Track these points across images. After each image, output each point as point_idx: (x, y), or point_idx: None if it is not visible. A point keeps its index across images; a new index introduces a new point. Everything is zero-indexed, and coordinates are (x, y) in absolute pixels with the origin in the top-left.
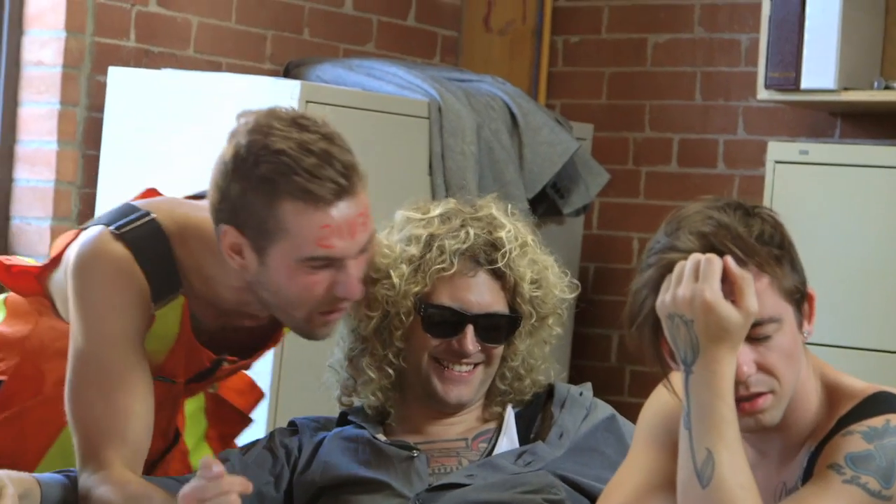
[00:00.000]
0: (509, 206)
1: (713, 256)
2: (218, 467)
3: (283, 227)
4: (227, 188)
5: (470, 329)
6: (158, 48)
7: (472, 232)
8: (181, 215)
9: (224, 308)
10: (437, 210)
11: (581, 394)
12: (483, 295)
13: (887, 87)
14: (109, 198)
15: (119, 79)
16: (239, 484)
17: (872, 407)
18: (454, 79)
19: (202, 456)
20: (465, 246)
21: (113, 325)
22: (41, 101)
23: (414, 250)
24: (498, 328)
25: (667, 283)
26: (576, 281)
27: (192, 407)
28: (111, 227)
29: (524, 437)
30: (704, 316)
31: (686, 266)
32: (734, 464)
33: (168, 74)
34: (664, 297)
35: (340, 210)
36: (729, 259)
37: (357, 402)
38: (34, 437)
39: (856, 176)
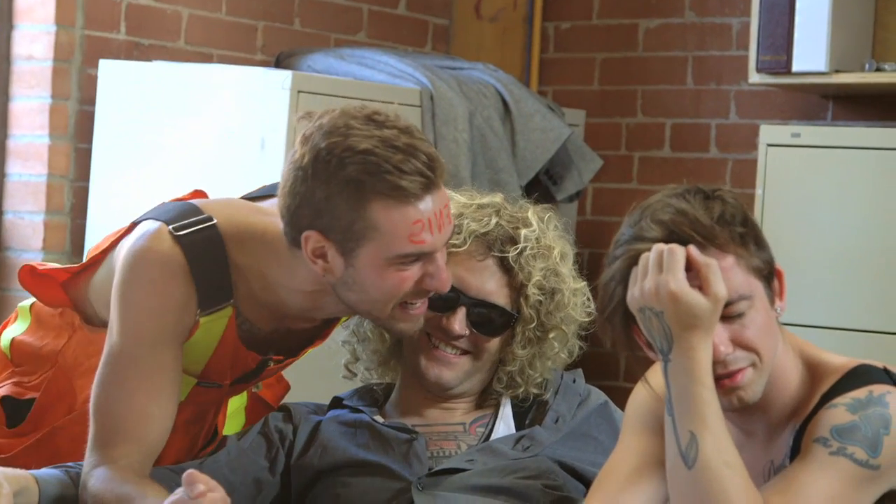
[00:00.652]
0: (550, 216)
1: (675, 246)
2: (201, 486)
3: (374, 226)
4: (309, 193)
5: (462, 311)
6: (149, 40)
7: (496, 221)
8: (243, 220)
9: (285, 313)
10: (481, 199)
11: (574, 381)
12: (485, 282)
13: (878, 69)
14: (102, 191)
15: (110, 72)
16: (220, 502)
17: (854, 380)
18: (446, 67)
19: None
20: (483, 230)
21: (149, 325)
22: (32, 96)
23: None
24: (491, 319)
25: (634, 275)
26: (592, 305)
27: (235, 405)
28: (171, 227)
29: (520, 424)
30: (673, 306)
31: (650, 258)
32: (717, 443)
33: (159, 66)
34: (633, 292)
35: (428, 204)
36: (692, 248)
37: (360, 370)
38: (68, 454)
39: (848, 158)
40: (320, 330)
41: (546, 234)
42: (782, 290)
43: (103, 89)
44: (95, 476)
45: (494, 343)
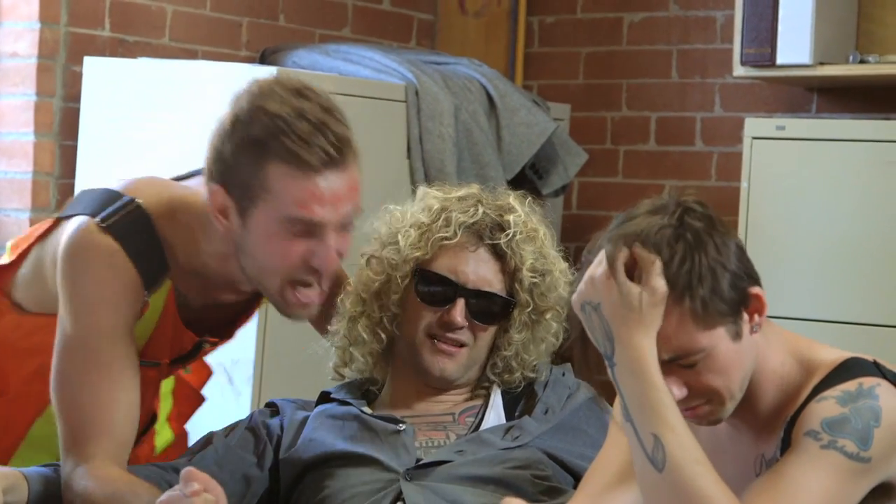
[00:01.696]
0: (529, 200)
1: (616, 242)
2: (196, 484)
3: (268, 188)
4: (221, 147)
5: (461, 302)
6: (133, 37)
7: (482, 210)
8: (167, 195)
9: (211, 281)
10: (458, 192)
11: (563, 374)
12: (480, 271)
13: (863, 61)
14: (88, 188)
15: (94, 69)
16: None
17: (844, 373)
18: (431, 62)
19: (165, 437)
20: (471, 220)
21: (103, 318)
22: (17, 93)
23: (424, 218)
24: (490, 308)
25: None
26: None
27: (164, 389)
28: (97, 219)
29: (509, 415)
30: (608, 294)
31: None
32: (682, 443)
33: (144, 63)
34: (574, 293)
35: (327, 179)
36: (636, 245)
37: (349, 373)
38: (2, 435)
39: (833, 150)
40: (249, 305)
41: (531, 218)
42: (761, 309)
43: (88, 86)
44: (78, 476)
45: (491, 331)
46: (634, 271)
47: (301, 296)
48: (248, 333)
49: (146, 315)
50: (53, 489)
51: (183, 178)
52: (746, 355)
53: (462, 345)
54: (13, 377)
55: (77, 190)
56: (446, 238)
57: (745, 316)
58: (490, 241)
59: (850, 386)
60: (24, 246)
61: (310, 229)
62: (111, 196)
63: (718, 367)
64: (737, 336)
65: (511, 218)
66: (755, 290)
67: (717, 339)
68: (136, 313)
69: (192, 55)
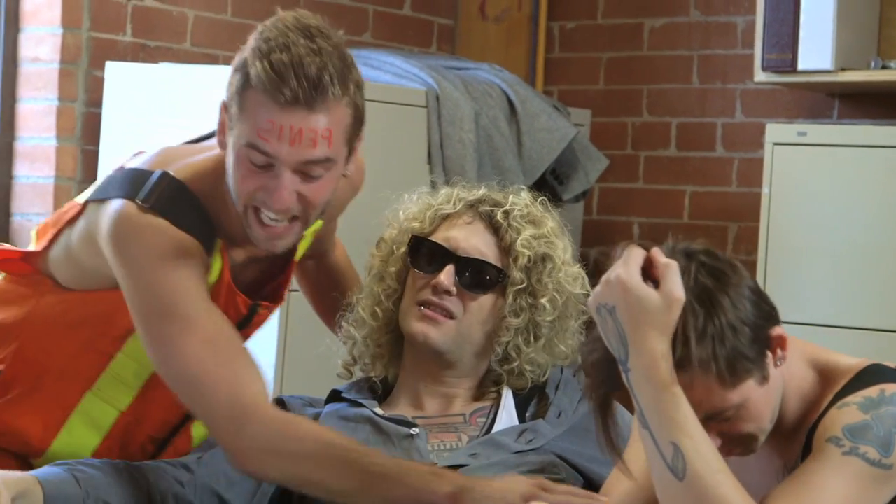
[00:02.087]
0: (543, 199)
1: (633, 244)
2: None
3: (243, 108)
4: (231, 66)
5: (450, 268)
6: (155, 42)
7: (484, 191)
8: (189, 161)
9: (238, 233)
10: (479, 188)
11: (574, 375)
12: (472, 240)
13: (884, 67)
14: (111, 172)
15: (116, 73)
16: None
17: (866, 379)
18: (451, 67)
19: (201, 430)
20: (472, 197)
21: (178, 284)
22: (39, 98)
23: (429, 198)
24: (479, 276)
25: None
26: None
27: None
28: (138, 200)
29: (521, 416)
30: (623, 297)
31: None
32: (702, 451)
33: (165, 68)
34: (591, 298)
35: (288, 115)
36: (655, 249)
37: (357, 372)
38: (52, 410)
39: (854, 156)
40: (285, 262)
41: (538, 208)
42: (784, 344)
43: (110, 91)
44: (273, 426)
45: (484, 305)
46: (651, 277)
47: (266, 224)
48: (268, 335)
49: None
50: (69, 490)
51: (197, 140)
52: (775, 391)
53: (451, 315)
54: (58, 354)
55: None
56: (444, 210)
57: (770, 355)
58: (487, 212)
59: (871, 392)
60: (53, 231)
61: (268, 162)
62: (141, 174)
63: (751, 415)
64: (764, 380)
65: (512, 198)
66: (776, 331)
67: (747, 391)
68: (204, 276)
69: (213, 60)
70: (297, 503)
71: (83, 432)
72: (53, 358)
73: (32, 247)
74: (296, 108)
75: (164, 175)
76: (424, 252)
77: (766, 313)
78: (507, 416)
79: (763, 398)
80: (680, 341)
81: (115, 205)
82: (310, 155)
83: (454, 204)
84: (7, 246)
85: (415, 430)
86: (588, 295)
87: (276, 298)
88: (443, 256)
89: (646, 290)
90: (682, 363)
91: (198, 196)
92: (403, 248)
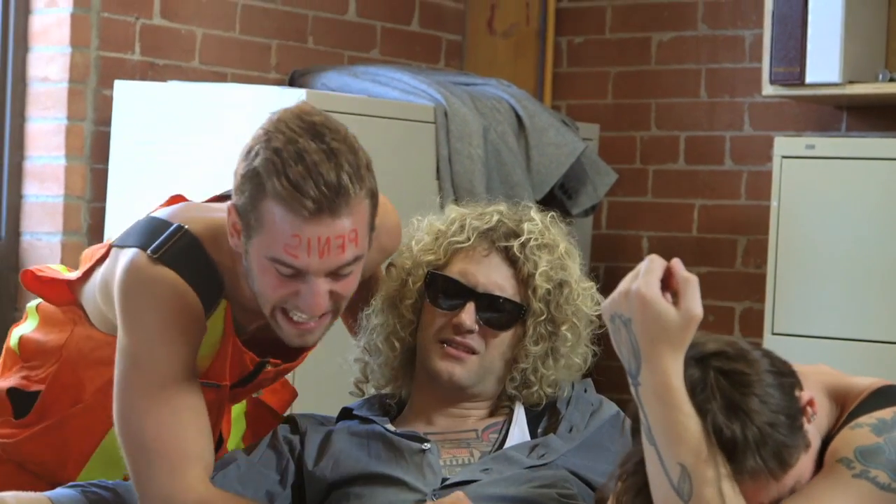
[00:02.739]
0: (553, 215)
1: (655, 256)
2: None
3: (261, 222)
4: (238, 170)
5: (471, 306)
6: (163, 60)
7: (497, 218)
8: (209, 218)
9: (254, 307)
10: (485, 208)
11: (585, 390)
12: (491, 275)
13: (892, 80)
14: (119, 211)
15: (125, 92)
16: None
17: (880, 399)
18: (459, 83)
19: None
20: (486, 226)
21: (171, 346)
22: (48, 117)
23: (441, 225)
24: (500, 312)
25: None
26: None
27: (236, 411)
28: (149, 251)
29: (532, 432)
30: (641, 311)
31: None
32: (710, 475)
33: (174, 86)
34: (606, 301)
35: (313, 226)
36: (676, 261)
37: (369, 389)
38: (77, 444)
39: (863, 169)
40: None
41: (550, 230)
42: (814, 403)
43: (119, 110)
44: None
45: (505, 339)
46: (670, 289)
47: (297, 322)
48: None
49: (208, 338)
50: None
51: (220, 198)
52: (815, 446)
53: (473, 351)
54: (89, 385)
55: (108, 213)
56: (459, 243)
57: (805, 421)
58: (503, 245)
59: (885, 414)
60: (89, 265)
61: (297, 273)
62: (159, 225)
63: (804, 481)
64: (808, 446)
65: (527, 226)
66: (804, 398)
67: (799, 469)
68: (200, 339)
69: (221, 78)
70: None
71: (105, 470)
72: (85, 390)
73: (76, 273)
74: (320, 218)
75: (181, 229)
76: (442, 287)
77: (790, 386)
78: (519, 431)
79: (809, 461)
80: (698, 291)
81: (129, 254)
82: (340, 261)
83: (468, 235)
84: (57, 269)
85: (426, 446)
86: (598, 304)
87: (290, 357)
88: (462, 293)
89: (665, 306)
90: (734, 473)
91: (210, 255)
92: (419, 283)
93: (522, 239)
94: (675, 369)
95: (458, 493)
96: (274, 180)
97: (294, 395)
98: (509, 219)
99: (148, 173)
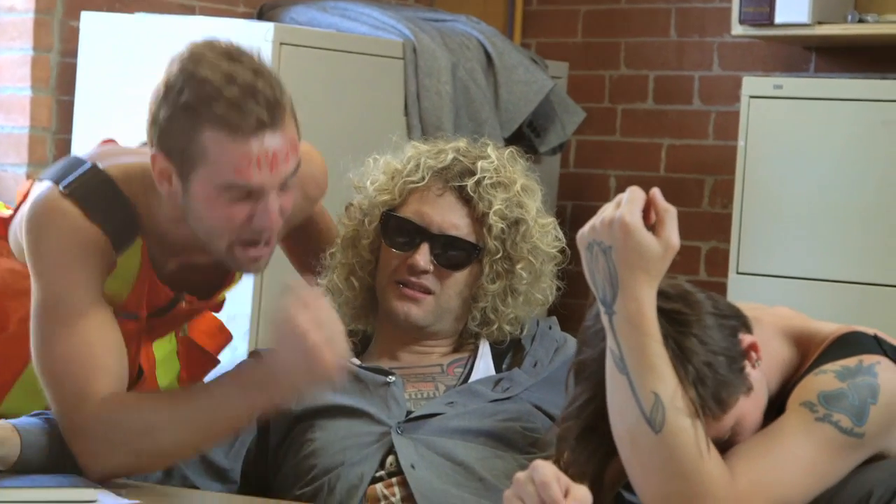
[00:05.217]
0: (511, 151)
1: (636, 188)
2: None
3: (203, 153)
4: (157, 113)
5: (425, 247)
6: None
7: (452, 156)
8: (125, 160)
9: (173, 244)
10: (444, 145)
11: (550, 328)
12: (445, 215)
13: (861, 21)
14: (85, 143)
15: (92, 24)
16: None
17: (844, 347)
18: (429, 19)
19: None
20: (440, 165)
21: (72, 276)
22: (14, 48)
23: (397, 164)
24: (455, 252)
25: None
26: (563, 239)
27: (166, 350)
28: (60, 186)
29: (497, 368)
30: (623, 239)
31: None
32: (681, 406)
33: (141, 19)
34: (584, 228)
35: (262, 142)
36: (655, 190)
37: None
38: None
39: (830, 109)
40: (225, 271)
41: (506, 168)
42: (757, 348)
43: (85, 41)
44: (106, 409)
45: (460, 279)
46: (647, 220)
47: (250, 252)
48: (244, 288)
49: (123, 273)
50: (47, 440)
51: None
52: (760, 391)
53: (428, 291)
54: (13, 315)
55: (74, 145)
56: (413, 182)
57: (747, 363)
58: (458, 185)
59: (850, 362)
60: (20, 200)
61: (249, 193)
62: (74, 162)
63: (746, 426)
64: (749, 390)
65: (481, 164)
66: (746, 341)
67: (738, 410)
68: (104, 272)
69: (189, 10)
70: (273, 454)
71: (25, 399)
72: (9, 319)
73: (7, 212)
74: (263, 131)
75: (93, 167)
76: (397, 228)
77: (732, 329)
78: (484, 366)
79: (752, 405)
80: (676, 222)
81: (41, 187)
82: (287, 171)
83: (423, 174)
84: None
85: (391, 378)
86: (559, 240)
87: (207, 296)
88: (416, 233)
89: (646, 235)
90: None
91: (125, 194)
92: (376, 223)
93: (477, 177)
94: (650, 298)
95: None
96: (212, 106)
97: (229, 338)
98: (465, 156)
99: (114, 105)
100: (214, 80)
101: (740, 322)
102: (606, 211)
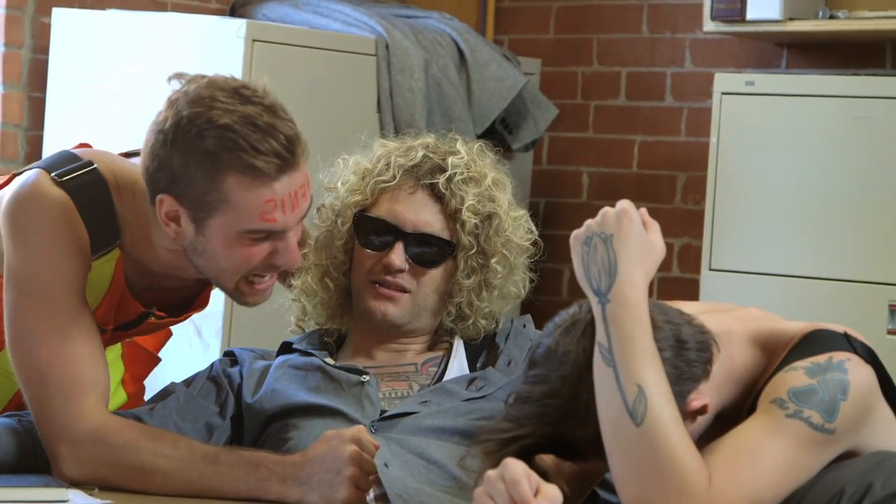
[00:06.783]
0: (480, 145)
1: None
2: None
3: (226, 199)
4: (167, 158)
5: (399, 246)
6: None
7: (422, 153)
8: (119, 168)
9: (152, 269)
10: (413, 142)
11: (524, 326)
12: (418, 213)
13: (832, 17)
14: (56, 139)
15: (63, 20)
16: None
17: (813, 344)
18: (401, 15)
19: (118, 399)
20: (411, 163)
21: (60, 268)
22: None
23: (367, 164)
24: (429, 250)
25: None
26: (535, 231)
27: (112, 355)
28: (52, 174)
29: (472, 366)
30: (627, 225)
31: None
32: (665, 400)
33: (113, 15)
34: (578, 230)
35: (283, 184)
36: (643, 210)
37: (309, 326)
38: None
39: (802, 106)
40: (197, 290)
41: (476, 162)
42: (705, 412)
43: (57, 38)
44: (95, 433)
45: (436, 276)
46: None
47: (256, 286)
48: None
49: (94, 284)
50: (18, 439)
51: (133, 153)
52: (696, 432)
53: (404, 290)
54: None
55: (45, 142)
56: (384, 181)
57: (689, 417)
58: (429, 182)
59: (820, 359)
60: None
61: (271, 234)
62: (69, 157)
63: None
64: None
65: (452, 160)
66: (693, 404)
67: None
68: (86, 272)
69: (161, 7)
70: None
71: None
72: None
73: None
74: (284, 173)
75: (90, 164)
76: (370, 228)
77: (688, 379)
78: (458, 365)
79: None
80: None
81: (29, 174)
82: (305, 209)
83: (393, 173)
84: None
85: (365, 378)
86: (531, 232)
87: (174, 313)
88: (390, 233)
89: (643, 230)
90: None
91: (114, 202)
92: (348, 224)
93: (448, 174)
94: (644, 290)
95: (360, 427)
96: (235, 154)
97: (169, 335)
98: (435, 153)
99: (86, 102)
100: (235, 125)
101: (696, 371)
102: (605, 209)
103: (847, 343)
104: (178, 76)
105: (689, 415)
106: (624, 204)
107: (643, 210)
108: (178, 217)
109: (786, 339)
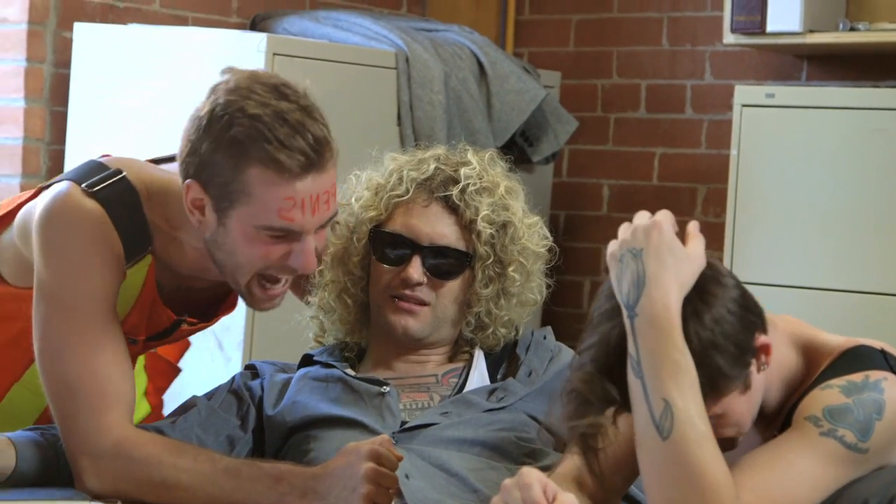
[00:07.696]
0: (491, 154)
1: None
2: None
3: (247, 191)
4: (198, 143)
5: (417, 260)
6: (124, 3)
7: (434, 166)
8: (148, 175)
9: (180, 271)
10: (423, 154)
11: (545, 337)
12: (434, 226)
13: (852, 29)
14: (78, 154)
15: (85, 34)
16: None
17: (851, 361)
18: (421, 29)
19: (142, 411)
20: (423, 176)
21: (95, 281)
22: (7, 59)
23: (379, 179)
24: (447, 262)
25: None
26: (550, 237)
27: (136, 366)
28: (82, 185)
29: (492, 378)
30: (657, 237)
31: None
32: (692, 414)
33: (134, 29)
34: (612, 244)
35: (306, 184)
36: (695, 222)
37: (328, 341)
38: None
39: (822, 118)
40: (224, 292)
41: (488, 172)
42: (769, 350)
43: (78, 52)
44: (117, 446)
45: (454, 287)
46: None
47: (268, 291)
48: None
49: (125, 292)
50: (41, 452)
51: (161, 160)
52: (756, 395)
53: (424, 303)
54: None
55: (67, 156)
56: (398, 196)
57: (753, 362)
58: (443, 195)
59: (856, 377)
60: (6, 210)
61: (288, 234)
62: (97, 167)
63: (732, 421)
64: (746, 388)
65: (464, 171)
66: (760, 340)
67: (728, 402)
68: (119, 283)
69: (182, 21)
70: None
71: (9, 423)
72: None
73: None
74: (308, 173)
75: (119, 173)
76: (386, 243)
77: (751, 324)
78: (478, 376)
79: (745, 405)
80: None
81: (59, 186)
82: (328, 216)
83: (406, 187)
84: None
85: (386, 389)
86: (546, 238)
87: (205, 317)
88: (406, 247)
89: (678, 240)
90: None
91: (144, 209)
92: (364, 240)
93: (461, 185)
94: (676, 305)
95: (383, 437)
96: (261, 145)
97: (188, 345)
98: (447, 165)
99: (107, 116)
100: (265, 118)
101: (761, 321)
102: (637, 220)
103: (884, 361)
104: (229, 70)
105: (756, 353)
106: (659, 216)
107: (693, 223)
108: (203, 206)
109: (825, 352)
